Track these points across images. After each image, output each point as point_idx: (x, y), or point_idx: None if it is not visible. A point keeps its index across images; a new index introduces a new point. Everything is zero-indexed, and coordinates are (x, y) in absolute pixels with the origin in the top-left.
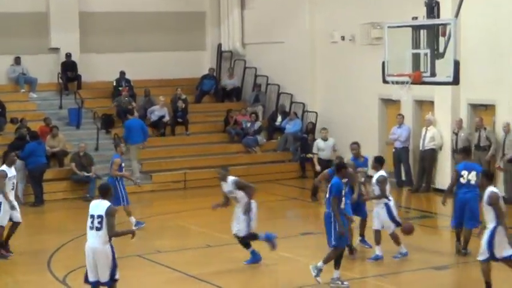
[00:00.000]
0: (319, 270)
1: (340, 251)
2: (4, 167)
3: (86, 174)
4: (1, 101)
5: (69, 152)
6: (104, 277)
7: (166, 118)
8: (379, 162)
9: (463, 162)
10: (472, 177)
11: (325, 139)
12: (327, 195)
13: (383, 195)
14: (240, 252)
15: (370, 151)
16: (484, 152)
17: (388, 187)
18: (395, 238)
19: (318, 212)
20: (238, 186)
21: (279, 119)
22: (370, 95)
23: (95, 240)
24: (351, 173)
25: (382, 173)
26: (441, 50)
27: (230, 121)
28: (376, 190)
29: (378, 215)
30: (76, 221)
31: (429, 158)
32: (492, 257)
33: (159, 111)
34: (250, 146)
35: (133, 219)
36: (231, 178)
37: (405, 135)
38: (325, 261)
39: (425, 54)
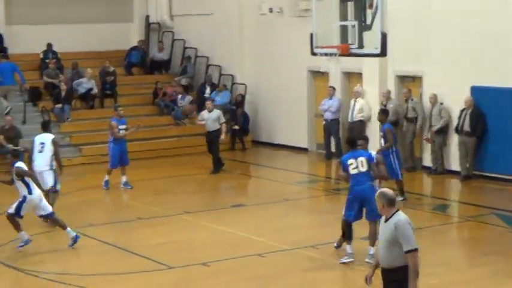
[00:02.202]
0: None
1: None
2: None
3: (13, 147)
4: None
5: None
6: None
7: (95, 91)
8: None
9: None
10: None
11: (210, 110)
12: (364, 167)
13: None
14: (171, 224)
15: (298, 123)
16: (412, 123)
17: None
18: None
19: (248, 183)
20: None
21: (208, 90)
22: (299, 67)
23: None
24: None
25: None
26: (368, 22)
27: (159, 93)
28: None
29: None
30: (5, 195)
31: (357, 129)
32: None
33: (86, 83)
34: (179, 118)
35: (124, 179)
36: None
37: (335, 105)
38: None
39: (353, 26)
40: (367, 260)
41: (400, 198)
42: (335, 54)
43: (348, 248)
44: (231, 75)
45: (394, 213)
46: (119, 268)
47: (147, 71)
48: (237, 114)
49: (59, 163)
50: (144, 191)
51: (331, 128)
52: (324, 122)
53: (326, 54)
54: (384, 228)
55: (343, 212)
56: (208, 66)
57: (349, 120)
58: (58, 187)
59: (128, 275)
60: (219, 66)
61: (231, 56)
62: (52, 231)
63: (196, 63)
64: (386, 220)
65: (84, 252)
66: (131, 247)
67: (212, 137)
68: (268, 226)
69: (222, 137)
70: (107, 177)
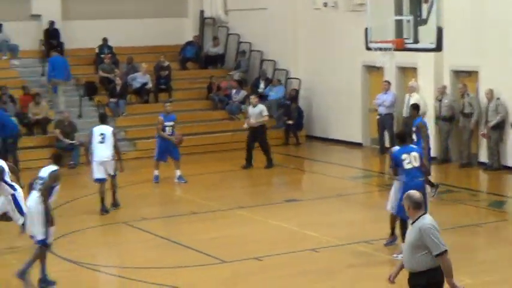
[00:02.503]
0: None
1: None
2: None
3: (70, 141)
4: None
5: (52, 119)
6: (38, 235)
7: (149, 85)
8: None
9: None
10: None
11: (254, 105)
12: (417, 162)
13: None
14: (225, 219)
15: (352, 118)
16: (468, 118)
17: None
18: None
19: (301, 178)
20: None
21: (262, 85)
22: (353, 62)
23: (31, 199)
24: None
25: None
26: (424, 16)
27: (213, 88)
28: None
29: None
30: (60, 189)
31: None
32: None
33: (141, 78)
34: (234, 113)
35: (178, 173)
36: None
37: (390, 100)
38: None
39: (408, 21)
40: None
41: (433, 191)
42: (390, 49)
43: (402, 246)
44: (285, 70)
45: (420, 216)
46: (172, 262)
47: (201, 66)
48: (291, 109)
49: (118, 155)
50: (198, 185)
51: (385, 122)
52: (378, 117)
53: (381, 49)
54: (410, 231)
55: (393, 209)
56: (262, 61)
57: (404, 115)
58: (116, 172)
59: (182, 268)
60: (274, 61)
61: (285, 50)
62: (107, 225)
63: (250, 57)
64: (412, 223)
65: (138, 246)
66: (185, 241)
67: (255, 133)
68: (322, 221)
69: (252, 121)
70: (156, 172)
